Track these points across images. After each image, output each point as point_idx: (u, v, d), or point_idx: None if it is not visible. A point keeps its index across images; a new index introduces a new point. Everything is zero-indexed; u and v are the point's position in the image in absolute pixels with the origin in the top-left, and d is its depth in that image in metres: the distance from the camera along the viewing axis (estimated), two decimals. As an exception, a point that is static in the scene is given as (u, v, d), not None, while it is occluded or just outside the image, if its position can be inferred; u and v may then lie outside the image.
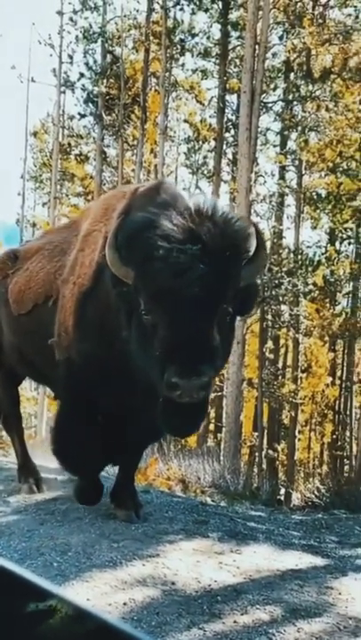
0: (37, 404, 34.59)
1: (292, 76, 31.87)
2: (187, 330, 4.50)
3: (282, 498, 14.07)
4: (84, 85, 36.11)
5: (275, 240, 30.12)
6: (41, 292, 6.87)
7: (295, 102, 31.54)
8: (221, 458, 12.89)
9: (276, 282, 26.44)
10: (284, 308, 28.88)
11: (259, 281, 5.45)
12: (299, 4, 28.38)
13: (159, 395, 4.72)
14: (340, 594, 4.86)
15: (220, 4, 31.43)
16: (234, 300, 4.86)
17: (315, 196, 34.67)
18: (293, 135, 33.47)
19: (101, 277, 5.67)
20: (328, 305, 35.82)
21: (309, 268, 29.78)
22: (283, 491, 16.64)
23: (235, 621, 4.33)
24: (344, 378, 39.69)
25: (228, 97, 32.99)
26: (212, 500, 9.61)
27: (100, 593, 4.74)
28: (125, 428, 6.30)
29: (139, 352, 4.99)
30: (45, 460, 8.35)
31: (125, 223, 5.02)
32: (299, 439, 37.96)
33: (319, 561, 5.71)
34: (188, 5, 31.82)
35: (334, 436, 38.27)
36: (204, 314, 4.58)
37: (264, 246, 5.15)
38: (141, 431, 6.35)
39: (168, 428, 5.43)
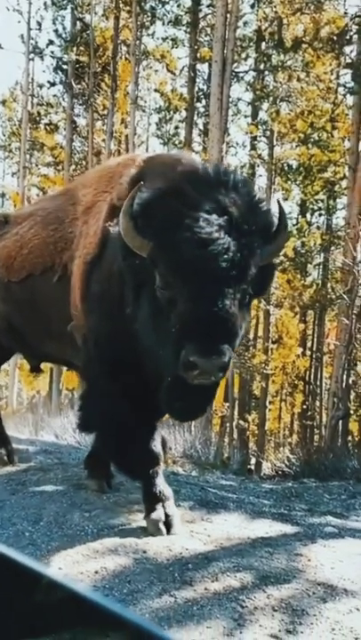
0: (8, 376, 34.50)
1: (263, 45, 31.67)
2: (209, 305, 4.18)
3: (252, 467, 14.20)
4: (53, 53, 35.78)
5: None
6: (38, 263, 6.49)
7: (267, 72, 31.41)
8: (192, 428, 12.92)
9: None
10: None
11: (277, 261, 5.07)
12: (270, -28, 28.15)
13: (167, 375, 4.53)
14: (309, 560, 4.91)
15: (191, -29, 31.11)
16: (253, 280, 4.52)
17: (286, 167, 34.68)
18: (265, 105, 33.41)
19: (105, 247, 5.47)
20: (299, 276, 35.94)
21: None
22: (253, 460, 16.80)
23: (205, 588, 4.37)
24: (314, 349, 40.00)
25: (199, 66, 32.86)
26: (184, 470, 9.67)
27: (71, 562, 4.75)
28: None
29: (150, 329, 4.68)
30: (17, 431, 8.34)
31: (143, 190, 4.66)
32: (269, 409, 38.30)
33: (289, 529, 5.76)
34: (159, -28, 31.47)
35: (304, 407, 38.62)
36: (228, 289, 4.26)
37: (286, 225, 4.90)
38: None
39: (173, 411, 5.16)
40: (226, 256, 4.21)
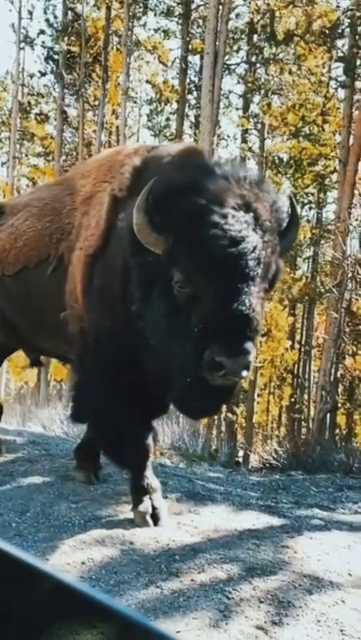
0: (-4, 367, 34.39)
1: (255, 38, 31.63)
2: (237, 304, 4.04)
3: (240, 460, 14.22)
4: (44, 42, 35.61)
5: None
6: (33, 255, 6.33)
7: (258, 65, 31.38)
8: (180, 420, 12.92)
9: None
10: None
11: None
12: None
13: (183, 375, 4.41)
14: (295, 552, 4.93)
15: None
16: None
17: (277, 161, 34.67)
18: (256, 98, 33.40)
19: (108, 240, 5.35)
20: (288, 269, 35.96)
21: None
22: (241, 453, 16.81)
23: (192, 580, 4.38)
24: (303, 342, 40.09)
25: (190, 58, 32.73)
26: (171, 462, 9.68)
27: (58, 553, 4.76)
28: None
29: (163, 328, 4.53)
30: (5, 423, 8.32)
31: (159, 184, 4.44)
32: (258, 402, 38.40)
33: (276, 521, 5.78)
34: None
35: (293, 400, 38.73)
36: (254, 288, 4.16)
37: (298, 221, 4.87)
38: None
39: (189, 410, 5.07)
40: (254, 254, 4.12)
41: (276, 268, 4.48)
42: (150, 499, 5.42)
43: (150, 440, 5.66)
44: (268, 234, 4.28)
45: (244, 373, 4.15)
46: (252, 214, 4.20)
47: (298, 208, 4.93)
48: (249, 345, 4.06)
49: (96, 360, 5.54)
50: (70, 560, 4.64)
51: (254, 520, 5.72)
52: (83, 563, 4.60)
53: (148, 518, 5.30)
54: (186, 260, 4.23)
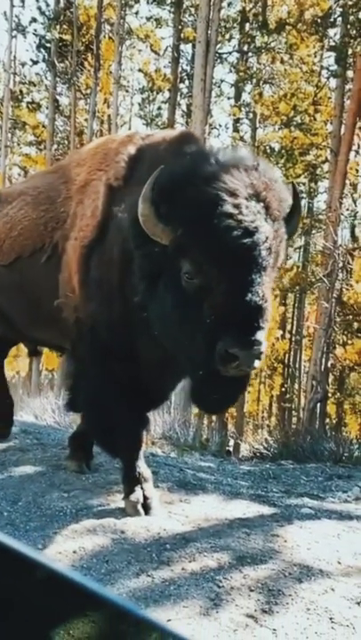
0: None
1: (247, 26, 31.52)
2: (250, 295, 4.01)
3: (231, 449, 14.26)
4: (36, 30, 35.37)
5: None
6: (27, 245, 6.26)
7: (250, 54, 31.28)
8: (171, 410, 12.94)
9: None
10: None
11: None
12: None
13: (193, 366, 4.41)
14: (285, 541, 4.97)
15: None
16: None
17: (268, 150, 34.58)
18: (248, 87, 33.29)
19: (105, 231, 5.29)
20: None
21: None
22: (232, 442, 16.86)
23: (183, 568, 4.41)
24: (294, 332, 40.11)
25: (182, 47, 32.60)
26: (163, 451, 9.71)
27: (50, 542, 4.78)
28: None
29: (171, 319, 4.47)
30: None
31: (165, 174, 4.36)
32: (248, 392, 38.38)
33: (266, 510, 5.82)
34: None
35: (283, 389, 38.74)
36: (266, 278, 4.14)
37: (300, 209, 4.80)
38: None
39: (206, 404, 5.01)
40: (266, 244, 4.09)
41: (283, 256, 4.49)
42: (142, 488, 5.45)
43: (143, 430, 5.68)
44: (277, 223, 4.26)
45: (257, 364, 4.13)
46: (262, 204, 4.16)
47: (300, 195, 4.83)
48: (261, 335, 4.03)
49: (91, 349, 5.52)
50: (62, 549, 4.66)
51: (245, 509, 5.76)
52: (74, 552, 4.63)
53: (140, 507, 5.32)
54: (197, 250, 4.17)
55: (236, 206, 4.02)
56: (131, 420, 5.53)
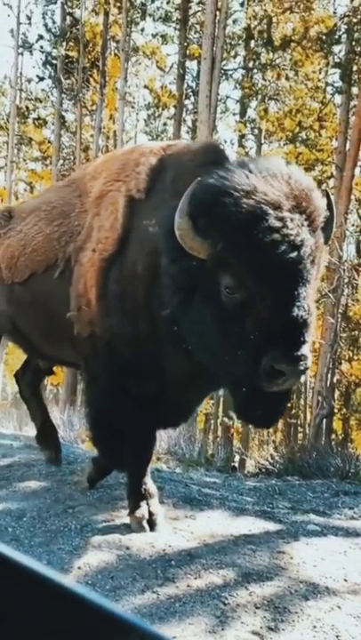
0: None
1: (252, 43, 31.67)
2: (296, 310, 3.92)
3: (236, 465, 14.21)
4: (42, 47, 35.57)
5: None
6: (41, 261, 6.15)
7: (255, 70, 31.43)
8: (177, 425, 12.91)
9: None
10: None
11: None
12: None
13: (240, 384, 4.27)
14: (291, 558, 4.94)
15: (181, -32, 31.07)
16: None
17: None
18: (253, 103, 33.42)
19: (127, 244, 5.19)
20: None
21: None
22: (237, 458, 16.80)
23: (188, 585, 4.39)
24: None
25: (188, 63, 32.73)
26: (168, 467, 9.68)
27: (54, 558, 4.77)
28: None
29: (209, 335, 4.34)
30: (1, 427, 8.32)
31: (202, 187, 4.24)
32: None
33: (272, 526, 5.79)
34: (149, -32, 31.43)
35: (289, 405, 38.67)
36: (310, 290, 4.08)
37: (334, 218, 4.65)
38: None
39: (255, 420, 4.88)
40: (311, 257, 4.03)
41: (323, 267, 4.48)
42: (147, 504, 5.42)
43: (153, 447, 5.67)
44: (317, 233, 4.19)
45: (302, 378, 4.05)
46: (304, 215, 4.08)
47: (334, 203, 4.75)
48: (306, 349, 3.98)
49: (106, 364, 5.43)
50: (66, 565, 4.64)
51: (250, 525, 5.73)
52: (79, 568, 4.61)
53: (145, 523, 5.30)
54: (239, 265, 4.06)
55: (281, 219, 3.93)
56: (143, 437, 5.49)
